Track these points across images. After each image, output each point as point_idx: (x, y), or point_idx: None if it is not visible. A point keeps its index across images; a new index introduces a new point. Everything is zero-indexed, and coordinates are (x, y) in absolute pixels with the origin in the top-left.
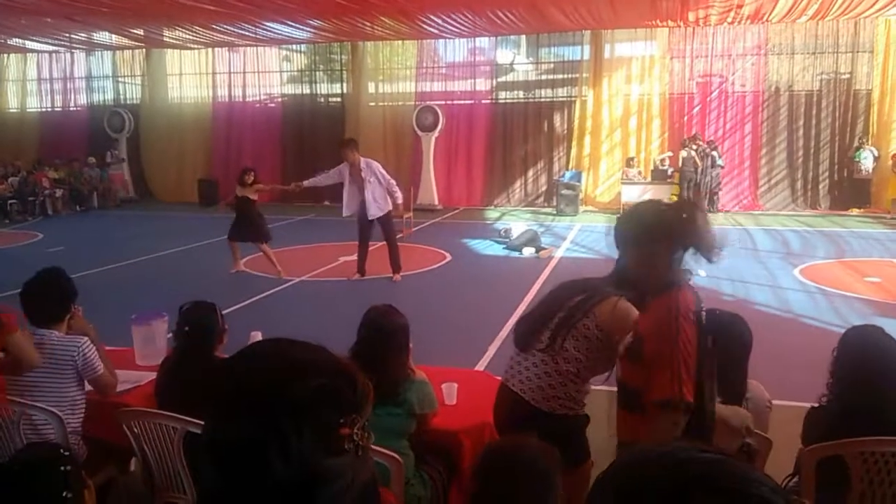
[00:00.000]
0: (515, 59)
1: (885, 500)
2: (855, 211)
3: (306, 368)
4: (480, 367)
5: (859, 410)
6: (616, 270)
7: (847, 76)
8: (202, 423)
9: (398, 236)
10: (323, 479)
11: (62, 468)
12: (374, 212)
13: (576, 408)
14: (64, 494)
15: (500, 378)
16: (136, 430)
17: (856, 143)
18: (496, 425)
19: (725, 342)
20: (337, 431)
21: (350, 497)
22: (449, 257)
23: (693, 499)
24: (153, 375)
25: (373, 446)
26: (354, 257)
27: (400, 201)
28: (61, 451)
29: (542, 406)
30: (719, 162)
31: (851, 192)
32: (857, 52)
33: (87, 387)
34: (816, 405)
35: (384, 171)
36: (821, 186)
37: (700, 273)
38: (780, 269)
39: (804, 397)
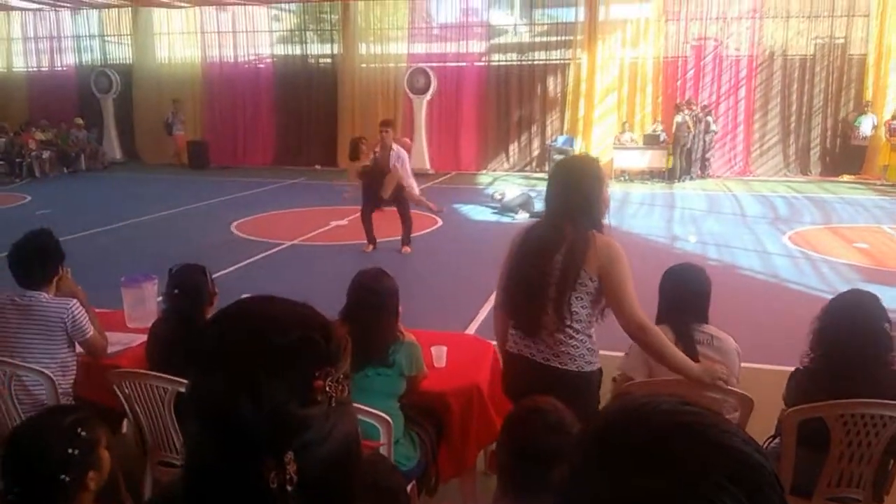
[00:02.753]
0: (508, 20)
1: (861, 460)
2: (846, 177)
3: (282, 322)
4: (470, 330)
5: (842, 373)
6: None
7: (841, 41)
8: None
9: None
10: (296, 428)
11: (69, 451)
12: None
13: (595, 361)
14: (62, 477)
15: (490, 342)
16: (126, 391)
17: (852, 108)
18: (513, 395)
19: (675, 292)
20: (311, 383)
21: (329, 447)
22: (440, 222)
23: (673, 446)
24: (143, 337)
25: (363, 406)
26: (345, 222)
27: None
28: (78, 430)
29: (570, 367)
30: (713, 127)
31: (843, 158)
32: (853, 16)
33: (79, 349)
34: (801, 367)
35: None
36: (812, 153)
37: (690, 239)
38: (768, 235)
39: (786, 361)
